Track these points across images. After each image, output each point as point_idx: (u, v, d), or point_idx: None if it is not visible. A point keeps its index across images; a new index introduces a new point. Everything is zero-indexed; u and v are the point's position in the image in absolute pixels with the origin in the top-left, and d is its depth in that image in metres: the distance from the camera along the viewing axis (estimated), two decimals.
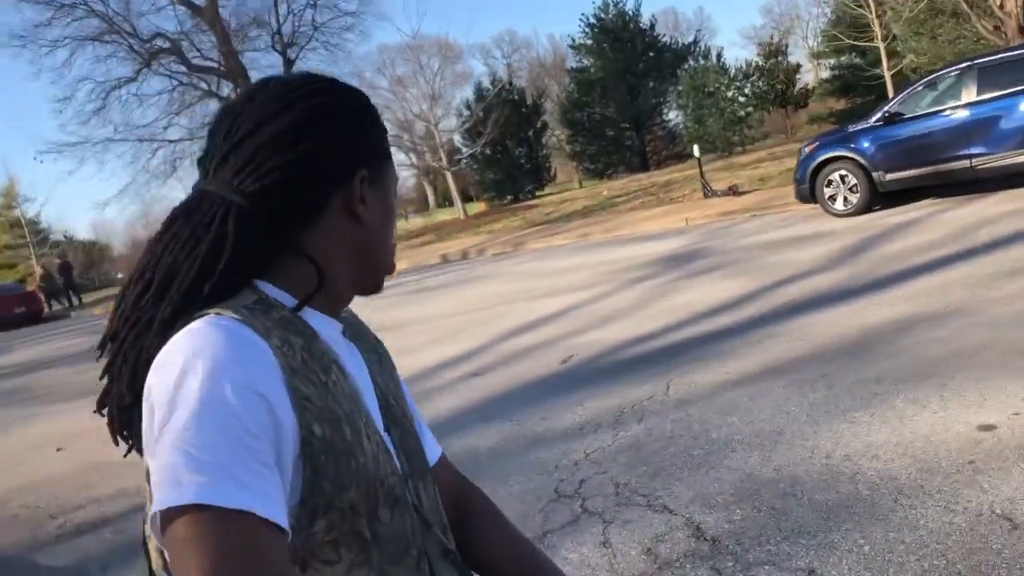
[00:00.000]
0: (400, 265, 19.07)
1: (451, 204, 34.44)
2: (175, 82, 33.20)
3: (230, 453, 0.77)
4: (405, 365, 7.56)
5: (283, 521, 0.79)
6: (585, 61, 38.95)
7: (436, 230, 28.46)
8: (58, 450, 7.47)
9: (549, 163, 41.15)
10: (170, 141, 33.44)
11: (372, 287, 1.06)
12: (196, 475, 0.76)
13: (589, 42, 38.15)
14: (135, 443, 0.92)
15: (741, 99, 30.27)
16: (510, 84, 38.17)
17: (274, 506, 0.78)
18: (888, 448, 3.75)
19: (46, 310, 30.24)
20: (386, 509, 0.92)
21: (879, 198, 11.06)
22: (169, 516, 0.77)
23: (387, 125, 1.08)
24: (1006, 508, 3.03)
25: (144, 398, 0.84)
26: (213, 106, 34.11)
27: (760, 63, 32.63)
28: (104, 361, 0.95)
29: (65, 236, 52.72)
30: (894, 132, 10.66)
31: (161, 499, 0.77)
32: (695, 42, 39.11)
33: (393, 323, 10.59)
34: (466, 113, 35.43)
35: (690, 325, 6.92)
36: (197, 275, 0.90)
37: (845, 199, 11.13)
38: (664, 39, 38.85)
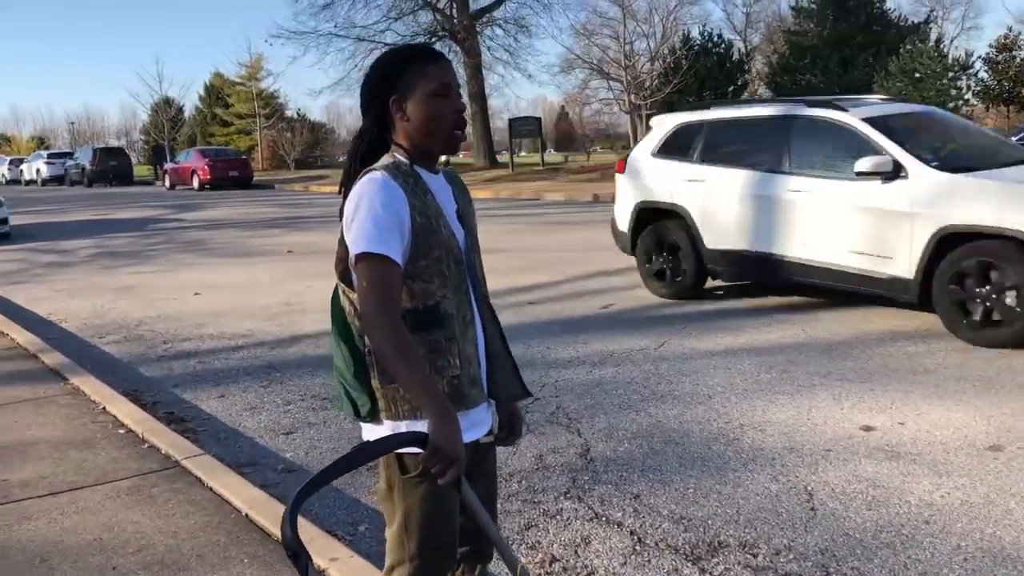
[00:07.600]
0: (555, 196, 20.03)
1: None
2: None
3: (383, 233, 1.79)
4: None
5: (400, 261, 1.81)
6: (805, 25, 37.36)
7: (606, 169, 29.11)
8: (195, 294, 9.05)
9: None
10: (384, 44, 35.70)
11: (439, 151, 1.96)
12: (370, 240, 1.78)
13: (813, 6, 36.55)
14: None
15: (964, 90, 28.14)
16: (719, 36, 37.40)
17: (397, 255, 1.80)
18: (778, 426, 4.28)
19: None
20: (452, 263, 1.90)
21: None
22: (359, 257, 1.79)
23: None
24: (817, 488, 3.56)
25: (347, 208, 1.87)
26: (426, 17, 36.09)
27: (992, 55, 30.06)
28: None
29: (298, 113, 54.30)
30: None
31: (357, 248, 1.79)
32: (927, 21, 36.48)
33: (506, 247, 11.53)
34: (669, 58, 35.13)
35: (723, 300, 7.37)
36: (359, 155, 1.97)
37: None
38: (894, 13, 36.54)
